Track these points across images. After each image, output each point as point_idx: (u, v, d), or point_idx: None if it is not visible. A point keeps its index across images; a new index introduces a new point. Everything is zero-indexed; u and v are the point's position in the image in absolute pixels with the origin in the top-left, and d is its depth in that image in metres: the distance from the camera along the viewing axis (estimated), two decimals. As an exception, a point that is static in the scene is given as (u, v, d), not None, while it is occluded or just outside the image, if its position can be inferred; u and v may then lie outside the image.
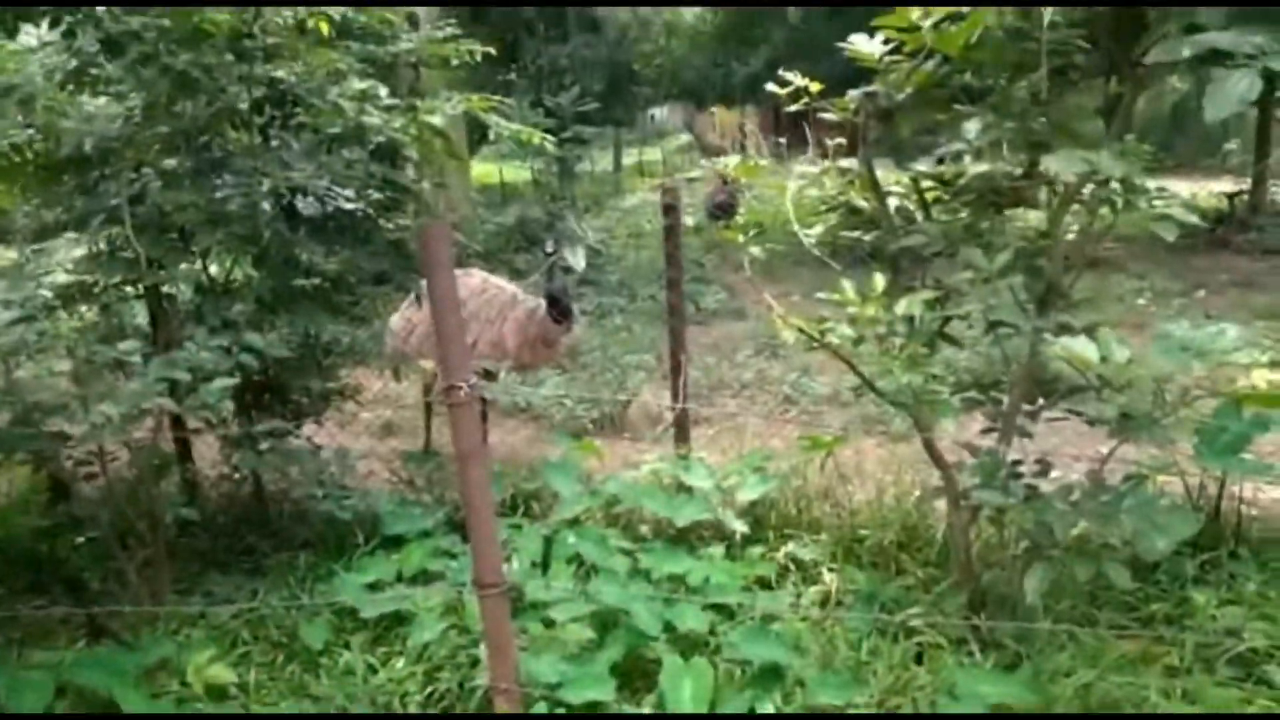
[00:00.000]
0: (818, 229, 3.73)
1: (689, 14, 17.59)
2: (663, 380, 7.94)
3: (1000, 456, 3.28)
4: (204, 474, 4.75)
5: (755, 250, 3.34)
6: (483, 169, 29.61)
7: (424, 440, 5.93)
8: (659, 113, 37.70)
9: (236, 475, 4.40)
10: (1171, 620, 3.41)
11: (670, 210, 4.61)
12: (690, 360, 8.38)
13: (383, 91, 4.12)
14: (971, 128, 3.21)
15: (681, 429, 4.80)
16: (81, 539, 4.09)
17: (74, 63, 3.86)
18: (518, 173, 24.26)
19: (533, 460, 5.08)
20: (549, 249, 5.79)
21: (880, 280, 3.17)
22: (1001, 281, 3.06)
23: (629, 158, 30.71)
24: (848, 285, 3.24)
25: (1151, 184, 2.92)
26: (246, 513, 4.50)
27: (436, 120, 4.14)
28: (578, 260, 7.07)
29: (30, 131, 4.16)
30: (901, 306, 3.08)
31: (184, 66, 3.63)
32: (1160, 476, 3.81)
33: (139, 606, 3.68)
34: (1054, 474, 3.45)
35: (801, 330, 3.16)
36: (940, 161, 3.38)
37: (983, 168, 3.41)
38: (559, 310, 5.44)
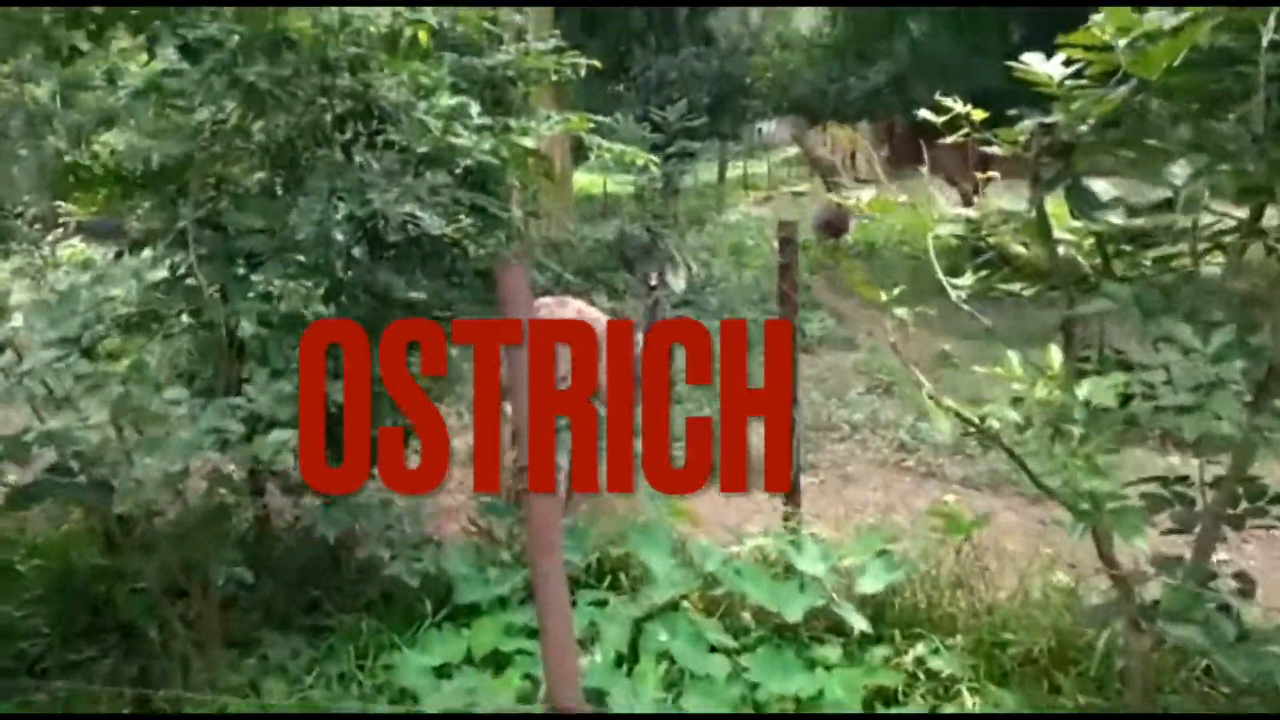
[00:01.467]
0: (967, 279, 3.11)
1: (804, 25, 16.93)
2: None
3: (1201, 576, 2.63)
4: (278, 511, 4.39)
5: (902, 313, 2.75)
6: (588, 179, 29.44)
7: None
8: (767, 127, 36.96)
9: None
10: None
11: (787, 246, 4.04)
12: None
13: (474, 109, 3.67)
14: (1179, 171, 2.57)
15: (793, 493, 4.22)
16: (136, 587, 3.76)
17: (147, 73, 3.52)
18: (623, 186, 23.92)
19: (623, 512, 4.57)
20: (653, 283, 5.33)
21: (1056, 355, 2.56)
22: (1215, 368, 2.41)
23: (733, 170, 30.10)
24: (1014, 358, 2.64)
25: None
26: (315, 562, 4.11)
27: (530, 143, 3.67)
28: (677, 282, 6.59)
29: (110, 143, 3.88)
30: (1085, 391, 2.46)
31: (254, 78, 3.24)
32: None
33: (186, 667, 3.32)
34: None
35: (959, 416, 2.56)
36: (1132, 211, 2.74)
37: (1184, 217, 2.77)
38: (659, 348, 4.95)
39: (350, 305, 3.70)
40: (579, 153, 18.84)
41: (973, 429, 2.58)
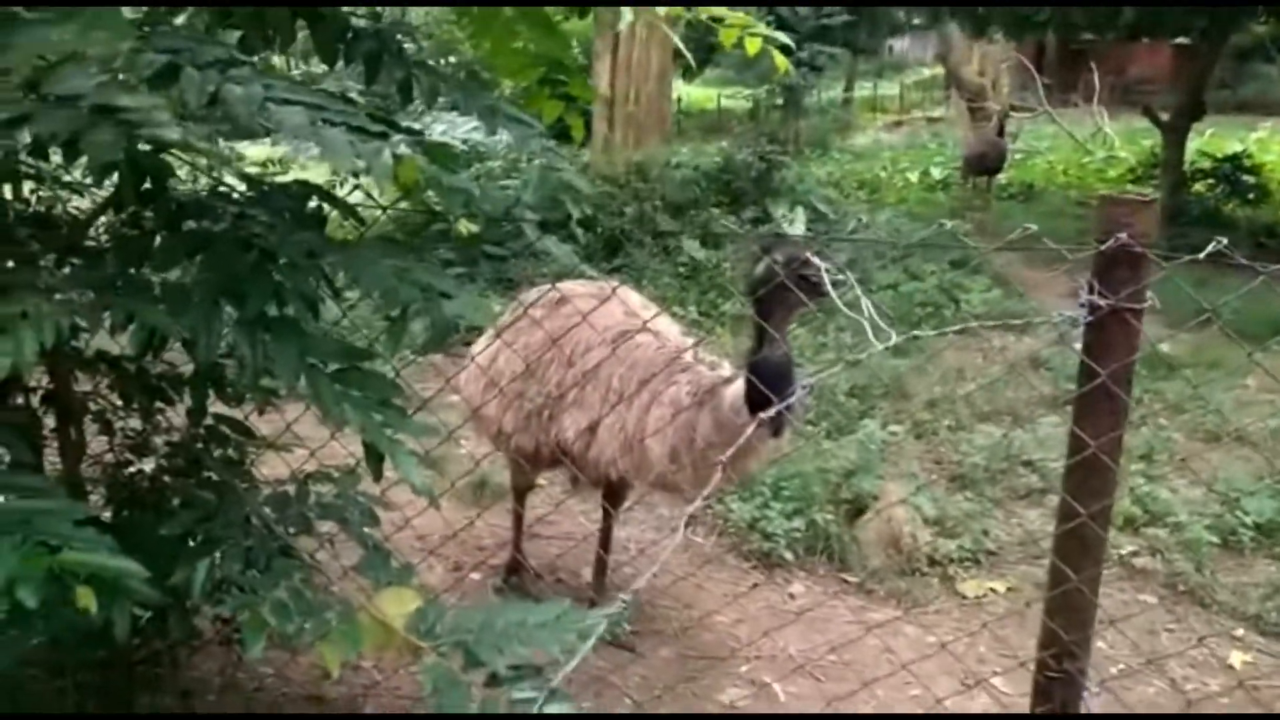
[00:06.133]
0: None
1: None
2: (936, 469, 4.74)
3: None
4: None
5: None
6: (701, 94, 26.45)
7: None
8: (899, 44, 33.14)
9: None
10: None
11: (1120, 271, 1.47)
12: (928, 410, 5.06)
13: None
14: None
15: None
16: None
17: None
18: (740, 101, 20.88)
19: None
20: (769, 267, 2.68)
21: None
22: None
23: (860, 91, 26.67)
24: None
25: None
26: None
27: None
28: (796, 223, 4.48)
29: None
30: None
31: None
32: None
33: None
34: None
35: None
36: None
37: None
38: (766, 401, 2.42)
39: None
40: (698, 60, 15.74)
41: None
